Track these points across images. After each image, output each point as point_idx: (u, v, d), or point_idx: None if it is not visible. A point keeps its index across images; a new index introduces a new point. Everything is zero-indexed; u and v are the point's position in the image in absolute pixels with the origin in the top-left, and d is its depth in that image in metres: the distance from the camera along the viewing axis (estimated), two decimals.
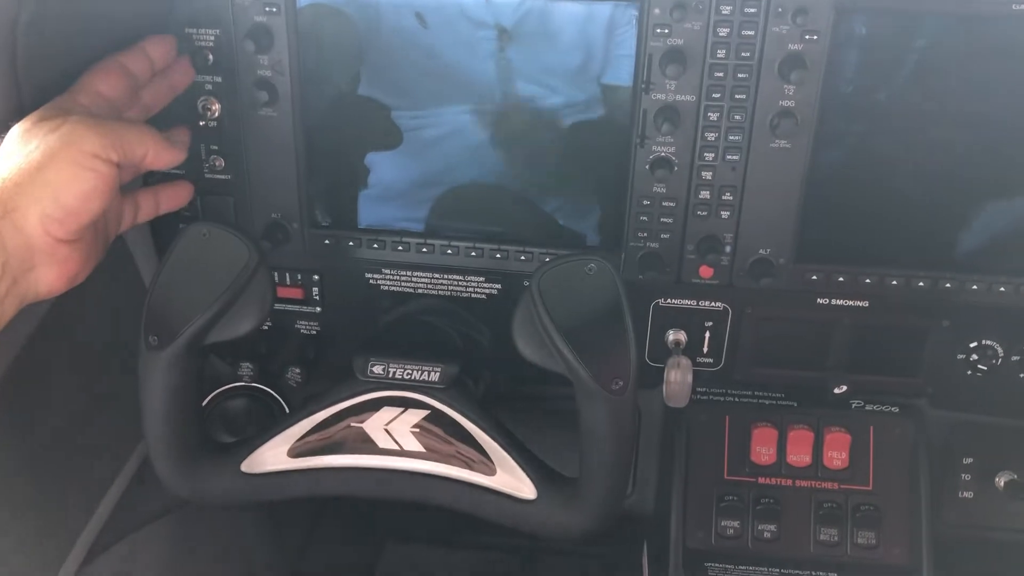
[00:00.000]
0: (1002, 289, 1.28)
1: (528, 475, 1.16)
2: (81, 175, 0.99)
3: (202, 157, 1.31)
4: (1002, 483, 1.52)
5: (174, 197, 1.25)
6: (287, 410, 1.51)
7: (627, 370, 1.07)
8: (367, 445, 1.18)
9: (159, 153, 1.09)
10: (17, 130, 1.01)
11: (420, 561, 1.82)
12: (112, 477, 1.44)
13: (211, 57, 1.25)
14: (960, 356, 1.36)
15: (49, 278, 1.01)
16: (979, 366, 1.36)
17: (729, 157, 1.23)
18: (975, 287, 1.28)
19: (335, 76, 1.29)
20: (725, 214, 1.27)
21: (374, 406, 1.19)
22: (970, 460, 1.53)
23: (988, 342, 1.34)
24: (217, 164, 1.32)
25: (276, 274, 1.38)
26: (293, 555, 1.78)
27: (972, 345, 1.35)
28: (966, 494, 1.54)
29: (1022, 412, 1.45)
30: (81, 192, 0.99)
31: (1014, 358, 1.35)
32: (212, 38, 1.24)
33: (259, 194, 1.33)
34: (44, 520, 1.29)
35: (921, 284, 1.28)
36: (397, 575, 1.80)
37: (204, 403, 1.49)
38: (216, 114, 1.28)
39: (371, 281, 1.39)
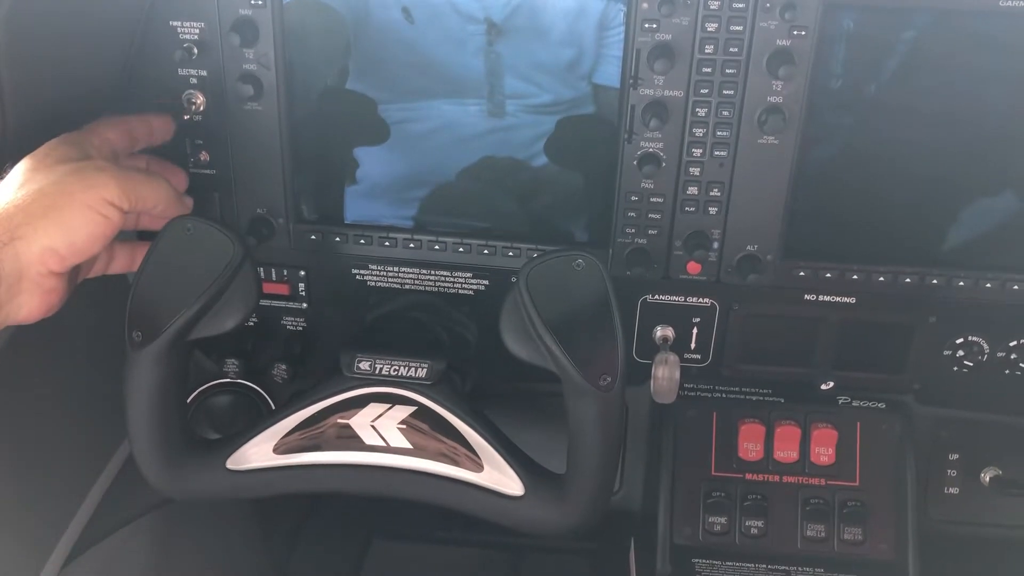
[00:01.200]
0: (988, 285, 1.28)
1: (515, 471, 1.15)
2: (94, 219, 1.02)
3: (187, 151, 1.30)
4: (987, 479, 1.53)
5: None
6: (273, 407, 1.50)
7: (615, 366, 1.06)
8: (354, 442, 1.18)
9: (169, 206, 1.14)
10: (31, 162, 1.04)
11: (407, 558, 1.81)
12: (96, 474, 1.43)
13: (196, 50, 1.24)
14: (946, 352, 1.36)
15: (31, 306, 1.03)
16: (965, 362, 1.36)
17: (717, 153, 1.23)
18: (961, 283, 1.28)
19: (322, 70, 1.28)
20: (713, 210, 1.27)
21: (361, 402, 1.19)
22: (956, 456, 1.54)
23: (974, 338, 1.35)
24: (202, 158, 1.31)
25: (261, 270, 1.37)
26: (279, 552, 1.77)
27: (958, 341, 1.35)
28: (952, 490, 1.55)
29: (1008, 408, 1.46)
30: (90, 234, 1.03)
31: (1000, 354, 1.36)
32: (197, 31, 1.23)
33: (244, 189, 1.32)
34: (27, 518, 1.28)
35: (908, 280, 1.29)
36: (384, 572, 1.79)
37: (189, 400, 1.48)
38: (201, 108, 1.27)
39: (357, 277, 1.39)
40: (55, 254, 1.00)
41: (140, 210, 1.10)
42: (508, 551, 1.78)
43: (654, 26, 1.16)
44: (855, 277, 1.29)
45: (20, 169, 1.04)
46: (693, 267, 1.31)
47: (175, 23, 1.23)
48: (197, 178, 1.31)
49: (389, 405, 1.18)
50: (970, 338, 1.35)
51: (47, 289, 1.02)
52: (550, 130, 1.28)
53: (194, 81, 1.26)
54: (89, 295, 1.24)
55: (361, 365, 1.19)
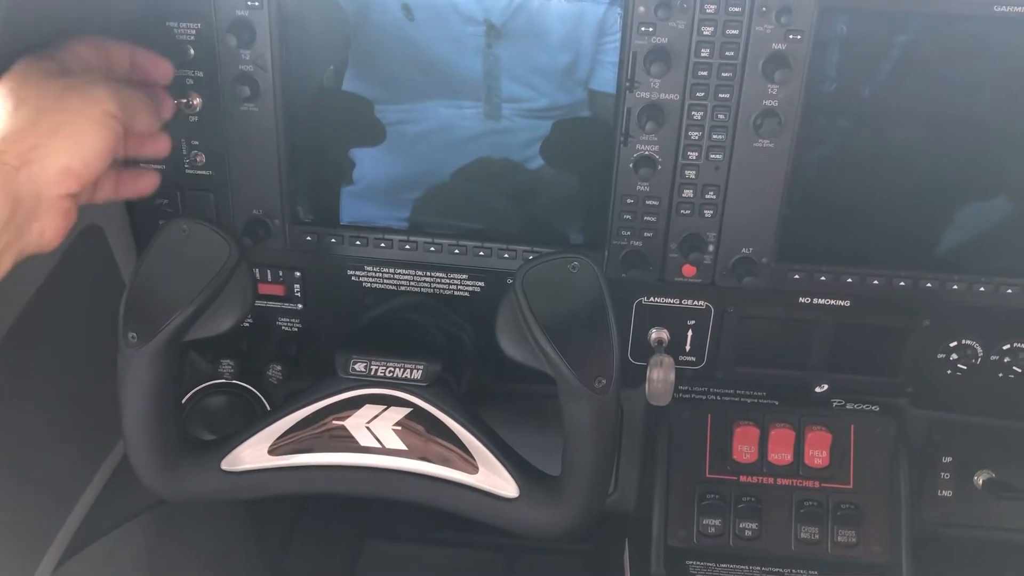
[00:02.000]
0: (982, 289, 1.29)
1: (510, 473, 1.15)
2: (102, 133, 1.01)
3: (183, 152, 1.30)
4: (980, 482, 1.53)
5: (133, 185, 1.19)
6: (268, 408, 1.50)
7: (610, 368, 1.06)
8: (349, 443, 1.18)
9: (151, 124, 1.11)
10: (14, 81, 1.00)
11: (401, 559, 1.81)
12: (90, 475, 1.43)
13: (192, 51, 1.24)
14: (940, 355, 1.37)
15: (50, 230, 1.01)
16: (959, 365, 1.37)
17: (712, 156, 1.23)
18: (956, 287, 1.29)
19: (319, 70, 1.28)
20: (708, 213, 1.27)
21: (356, 404, 1.19)
22: (949, 459, 1.54)
23: (968, 342, 1.35)
24: (198, 159, 1.30)
25: (257, 271, 1.37)
26: (273, 553, 1.77)
27: (952, 345, 1.36)
28: (945, 492, 1.55)
29: (1001, 411, 1.47)
30: (99, 149, 1.01)
31: (993, 358, 1.36)
32: (193, 32, 1.23)
33: (240, 190, 1.32)
34: (20, 519, 1.28)
35: (902, 284, 1.29)
36: (378, 573, 1.79)
37: (184, 400, 1.47)
38: (197, 109, 1.27)
39: (353, 278, 1.39)
40: (71, 174, 0.99)
41: (128, 127, 1.07)
42: (502, 552, 1.78)
43: (650, 29, 1.16)
44: (850, 280, 1.30)
45: (6, 89, 0.99)
46: (688, 270, 1.31)
47: (171, 24, 1.23)
48: (193, 179, 1.31)
49: (384, 407, 1.18)
50: (964, 341, 1.35)
51: (64, 212, 1.01)
52: (545, 134, 1.28)
53: (190, 82, 1.26)
54: (84, 295, 1.25)
55: (356, 366, 1.19)
